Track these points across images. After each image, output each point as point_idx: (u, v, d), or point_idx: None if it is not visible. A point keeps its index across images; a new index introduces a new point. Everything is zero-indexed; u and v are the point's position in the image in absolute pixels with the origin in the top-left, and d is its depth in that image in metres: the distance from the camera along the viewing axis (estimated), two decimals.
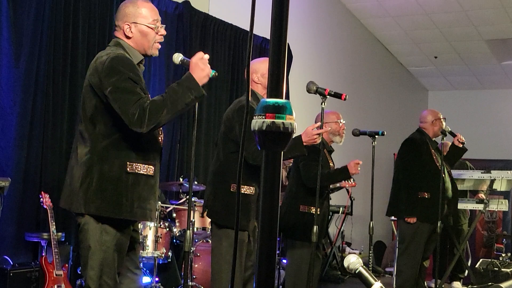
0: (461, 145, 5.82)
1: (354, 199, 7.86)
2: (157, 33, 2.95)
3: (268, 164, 1.27)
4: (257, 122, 1.24)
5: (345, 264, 1.78)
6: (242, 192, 3.57)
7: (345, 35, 9.56)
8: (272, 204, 1.29)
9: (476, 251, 10.35)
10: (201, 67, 2.75)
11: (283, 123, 1.23)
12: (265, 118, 1.23)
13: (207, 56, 2.79)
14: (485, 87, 12.10)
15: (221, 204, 3.63)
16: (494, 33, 9.58)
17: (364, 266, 1.73)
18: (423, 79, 12.33)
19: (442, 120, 5.66)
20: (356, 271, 1.72)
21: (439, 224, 5.20)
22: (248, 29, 7.08)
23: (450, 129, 5.67)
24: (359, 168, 4.19)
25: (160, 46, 2.99)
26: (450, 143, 5.98)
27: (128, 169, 2.80)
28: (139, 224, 3.17)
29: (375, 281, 1.67)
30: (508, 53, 10.38)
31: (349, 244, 8.93)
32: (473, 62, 11.00)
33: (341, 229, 8.23)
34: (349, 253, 8.42)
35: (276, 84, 1.27)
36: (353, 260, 1.75)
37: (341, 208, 7.61)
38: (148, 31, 2.93)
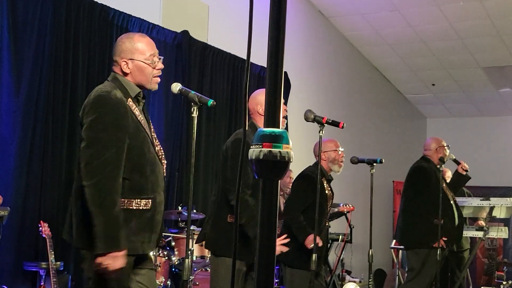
0: (464, 173, 5.86)
1: (353, 227, 7.83)
2: (154, 68, 2.94)
3: (265, 193, 1.28)
4: (254, 151, 1.26)
5: None
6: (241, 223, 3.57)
7: (343, 63, 9.65)
8: (270, 232, 1.30)
9: (477, 279, 10.30)
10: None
11: (279, 152, 1.25)
12: (262, 147, 1.25)
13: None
14: (483, 114, 12.16)
15: (218, 234, 3.63)
16: (491, 61, 9.67)
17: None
18: (421, 107, 12.40)
19: (445, 147, 5.70)
20: None
21: (438, 252, 5.20)
22: (245, 57, 7.10)
23: (454, 157, 5.71)
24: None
25: (159, 80, 2.97)
26: (454, 170, 6.02)
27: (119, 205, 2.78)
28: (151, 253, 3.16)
29: None
30: (505, 80, 10.47)
31: (349, 272, 8.90)
32: (471, 90, 11.08)
33: (341, 257, 8.20)
34: (349, 281, 8.39)
35: (272, 114, 1.29)
36: None
37: (340, 236, 7.58)
38: (145, 66, 2.91)
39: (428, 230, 5.39)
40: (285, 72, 7.69)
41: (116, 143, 2.72)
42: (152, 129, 3.02)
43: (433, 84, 10.97)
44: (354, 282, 8.03)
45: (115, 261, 2.66)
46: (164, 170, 3.04)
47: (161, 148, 3.02)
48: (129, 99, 2.88)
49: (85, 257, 2.86)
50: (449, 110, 12.30)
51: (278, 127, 1.27)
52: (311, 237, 4.18)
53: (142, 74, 2.91)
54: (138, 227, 2.84)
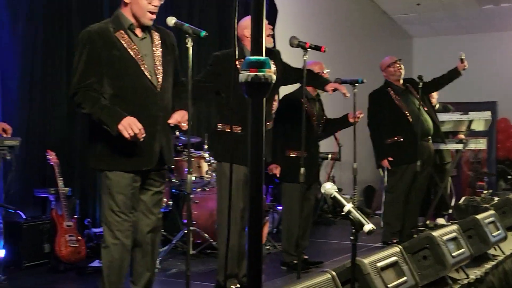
0: (461, 70, 6.14)
1: (342, 146, 8.22)
2: (149, 3, 3.24)
3: (254, 108, 1.59)
4: (243, 76, 1.56)
5: (322, 190, 2.12)
6: (236, 131, 3.91)
7: None
8: (258, 141, 1.62)
9: (462, 191, 10.78)
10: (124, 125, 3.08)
11: (263, 75, 1.55)
12: (249, 72, 1.55)
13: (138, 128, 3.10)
14: (468, 32, 12.36)
15: (213, 142, 4.15)
16: None
17: (338, 192, 2.08)
18: (407, 26, 12.56)
19: (395, 65, 5.96)
20: (331, 196, 2.07)
21: (418, 163, 5.57)
22: None
23: (463, 56, 6.01)
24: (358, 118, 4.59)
25: (153, 17, 3.29)
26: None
27: None
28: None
29: (347, 203, 2.02)
30: None
31: (340, 190, 9.30)
32: (455, 8, 11.22)
33: (331, 175, 8.62)
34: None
35: (257, 45, 1.58)
36: (328, 187, 2.10)
37: (329, 155, 7.97)
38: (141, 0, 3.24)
39: (389, 148, 5.79)
40: None
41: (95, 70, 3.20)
42: (156, 59, 3.32)
43: (418, 4, 11.11)
44: (346, 198, 8.48)
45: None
46: (162, 96, 3.33)
47: (162, 78, 3.32)
48: (120, 31, 3.26)
49: (101, 178, 3.29)
50: (434, 29, 12.48)
51: (262, 55, 1.57)
52: (272, 166, 4.68)
53: (138, 6, 3.26)
54: (129, 146, 3.18)
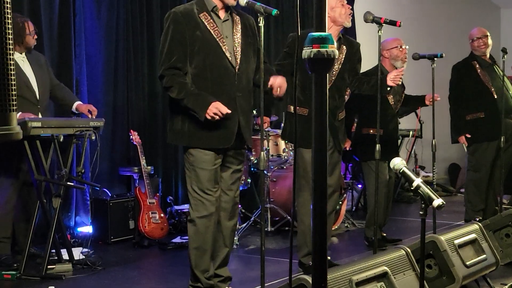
0: None
1: (423, 122, 8.04)
2: None
3: (317, 84, 1.61)
4: (306, 52, 1.57)
5: (391, 165, 2.11)
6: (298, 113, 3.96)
7: None
8: (322, 116, 1.63)
9: None
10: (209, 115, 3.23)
11: (326, 51, 1.56)
12: (312, 48, 1.56)
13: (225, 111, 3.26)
14: None
15: (287, 126, 4.17)
16: None
17: (407, 167, 2.07)
18: None
19: (483, 38, 5.71)
20: (400, 171, 2.06)
21: (502, 139, 5.38)
22: None
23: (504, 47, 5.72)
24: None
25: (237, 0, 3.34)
26: None
27: None
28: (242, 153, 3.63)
29: (416, 177, 2.01)
30: None
31: (422, 168, 9.14)
32: None
33: (412, 152, 8.46)
34: (423, 176, 8.68)
35: (320, 21, 1.59)
36: (397, 162, 2.09)
37: (411, 132, 7.82)
38: None
39: (468, 125, 5.60)
40: None
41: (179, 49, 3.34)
42: (237, 41, 3.41)
43: None
44: (428, 176, 8.32)
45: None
46: (240, 77, 3.40)
47: (241, 60, 3.41)
48: (204, 13, 3.37)
49: (184, 156, 3.46)
50: None
51: (325, 31, 1.58)
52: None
53: None
54: (207, 124, 3.28)
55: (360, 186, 6.97)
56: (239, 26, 3.47)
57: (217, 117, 3.22)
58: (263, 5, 3.18)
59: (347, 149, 4.84)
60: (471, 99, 5.63)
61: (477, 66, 5.67)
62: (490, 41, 5.76)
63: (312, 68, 1.60)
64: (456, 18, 10.78)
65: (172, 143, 3.59)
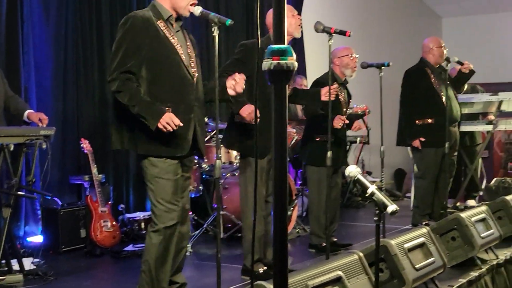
0: (468, 71, 6.11)
1: (370, 129, 8.22)
2: None
3: (277, 95, 1.66)
4: (266, 64, 1.62)
5: (346, 173, 2.18)
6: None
7: None
8: (282, 125, 1.68)
9: (495, 172, 10.68)
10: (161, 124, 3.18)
11: (286, 63, 1.62)
12: (272, 60, 1.62)
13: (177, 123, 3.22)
14: (498, 10, 12.15)
15: (236, 135, 4.15)
16: None
17: (361, 174, 2.14)
18: (436, 7, 12.41)
19: (442, 48, 5.93)
20: (355, 178, 2.13)
21: (446, 145, 5.56)
22: None
23: (457, 59, 5.93)
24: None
25: (192, 10, 3.36)
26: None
27: None
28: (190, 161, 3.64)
29: (371, 185, 2.08)
30: None
31: (369, 173, 9.33)
32: None
33: (359, 158, 8.64)
34: (370, 181, 8.84)
35: (279, 34, 1.64)
36: (352, 170, 2.16)
37: (358, 138, 7.98)
38: None
39: (418, 129, 5.79)
40: None
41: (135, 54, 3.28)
42: (189, 51, 3.42)
43: None
44: (375, 181, 8.50)
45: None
46: (196, 87, 3.43)
47: (196, 70, 3.45)
48: (161, 20, 3.36)
49: (144, 165, 3.36)
50: (464, 8, 12.30)
51: (284, 44, 1.63)
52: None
53: None
54: (165, 133, 3.26)
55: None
56: (187, 38, 3.52)
57: (169, 128, 3.18)
58: (217, 15, 3.23)
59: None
60: (422, 105, 5.80)
61: (430, 72, 5.85)
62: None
63: (272, 80, 1.65)
64: (400, 28, 11.07)
65: (123, 149, 3.49)
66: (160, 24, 3.35)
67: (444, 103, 5.74)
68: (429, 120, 5.78)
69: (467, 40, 11.77)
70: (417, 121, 5.83)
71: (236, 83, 3.48)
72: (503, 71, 11.32)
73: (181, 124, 3.23)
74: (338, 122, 4.73)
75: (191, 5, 3.35)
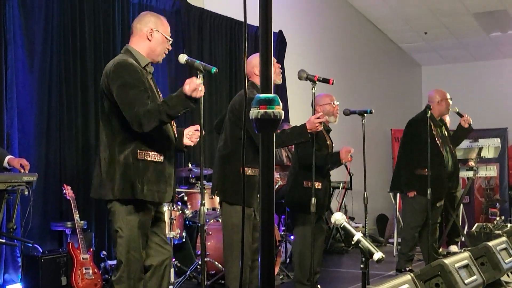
0: (467, 125, 6.21)
1: (353, 175, 8.26)
2: (167, 47, 3.44)
3: (264, 143, 1.68)
4: (253, 112, 1.65)
5: (332, 220, 2.19)
6: (247, 173, 4.03)
7: (336, 17, 9.92)
8: (269, 174, 1.70)
9: (475, 218, 10.74)
10: (191, 88, 3.11)
11: (273, 112, 1.65)
12: (260, 109, 1.64)
13: (199, 81, 3.15)
14: (476, 59, 12.43)
15: (230, 185, 4.08)
16: (479, 6, 9.91)
17: (347, 221, 2.15)
18: (416, 55, 12.67)
19: (448, 100, 6.03)
20: (341, 226, 2.14)
21: (429, 191, 5.60)
22: (242, 19, 7.38)
23: (457, 109, 6.04)
24: (350, 156, 4.61)
25: (164, 56, 3.44)
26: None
27: (138, 156, 3.26)
28: (163, 207, 3.62)
29: (357, 232, 2.09)
30: (495, 25, 10.71)
31: (352, 219, 9.33)
32: (463, 36, 11.33)
33: (342, 204, 8.65)
34: (353, 227, 8.84)
35: (266, 83, 1.68)
36: (338, 217, 2.17)
37: (341, 184, 8.02)
38: (165, 40, 3.43)
39: (415, 178, 5.83)
40: (281, 31, 8.04)
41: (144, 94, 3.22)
42: (160, 97, 3.44)
43: (425, 33, 11.24)
44: (357, 227, 8.50)
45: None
46: (175, 131, 3.46)
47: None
48: (140, 67, 3.35)
49: (112, 210, 3.29)
50: (443, 57, 12.58)
51: (271, 93, 1.66)
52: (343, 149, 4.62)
53: (160, 45, 3.41)
54: (154, 178, 3.27)
55: (292, 237, 7.04)
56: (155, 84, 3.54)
57: (199, 88, 3.10)
58: (202, 63, 3.28)
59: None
60: (423, 155, 5.77)
61: (432, 124, 5.91)
62: None
63: (259, 128, 1.68)
64: (381, 75, 11.27)
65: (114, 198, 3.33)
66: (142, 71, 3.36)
67: (444, 156, 5.82)
68: (428, 171, 5.78)
69: (446, 88, 11.81)
70: (416, 171, 5.86)
71: (193, 134, 3.49)
72: (482, 118, 11.48)
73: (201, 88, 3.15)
74: (347, 155, 4.72)
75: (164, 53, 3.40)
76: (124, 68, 3.25)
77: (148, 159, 3.29)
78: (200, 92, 3.12)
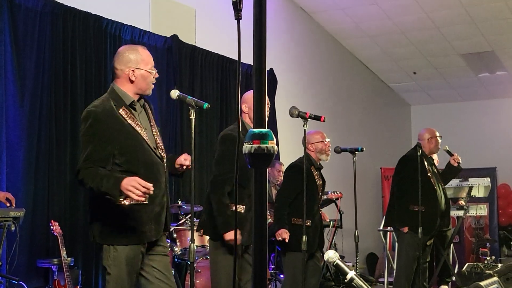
0: (456, 164, 6.23)
1: (343, 213, 8.22)
2: (153, 76, 3.40)
3: (257, 179, 1.66)
4: (246, 147, 1.64)
5: (325, 258, 2.16)
6: (233, 209, 3.99)
7: (327, 56, 10.02)
8: (262, 209, 1.68)
9: (466, 257, 10.71)
10: (129, 189, 3.05)
11: (266, 146, 1.63)
12: (253, 144, 1.63)
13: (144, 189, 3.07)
14: (464, 99, 12.56)
15: (214, 222, 4.04)
16: (468, 47, 10.06)
17: (340, 259, 2.13)
18: (405, 94, 12.79)
19: (438, 138, 6.07)
20: (334, 263, 2.11)
21: (420, 230, 5.59)
22: (233, 57, 7.44)
23: (447, 148, 6.07)
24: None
25: (153, 87, 3.42)
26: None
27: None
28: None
29: (350, 270, 2.06)
30: (483, 66, 10.86)
31: (342, 257, 9.26)
32: (451, 76, 11.47)
33: (332, 242, 8.59)
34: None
35: (260, 118, 1.67)
36: (331, 255, 2.15)
37: (331, 222, 7.97)
38: (147, 75, 3.37)
39: (408, 214, 5.82)
40: (271, 69, 8.09)
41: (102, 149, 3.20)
42: (154, 131, 3.41)
43: (415, 73, 11.36)
44: (348, 266, 8.43)
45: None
46: (165, 168, 3.43)
47: (163, 150, 3.41)
48: (122, 108, 3.30)
49: (105, 250, 3.26)
50: (432, 97, 12.70)
51: (265, 127, 1.65)
52: (281, 231, 4.61)
53: (145, 81, 3.35)
54: (143, 219, 3.23)
55: (282, 276, 6.96)
56: (149, 112, 3.49)
57: (137, 192, 3.01)
58: (194, 98, 3.28)
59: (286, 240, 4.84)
60: (416, 191, 5.77)
61: (424, 161, 5.93)
62: None
63: (252, 163, 1.66)
64: (370, 114, 11.34)
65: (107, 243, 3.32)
66: (123, 112, 3.29)
67: (436, 192, 5.83)
68: (421, 208, 5.76)
69: (435, 127, 11.90)
70: (409, 207, 5.85)
71: (185, 159, 3.45)
72: (472, 157, 11.55)
73: (152, 190, 3.09)
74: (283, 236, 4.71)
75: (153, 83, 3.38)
76: (86, 117, 3.26)
77: (132, 202, 3.22)
78: (136, 196, 3.05)
